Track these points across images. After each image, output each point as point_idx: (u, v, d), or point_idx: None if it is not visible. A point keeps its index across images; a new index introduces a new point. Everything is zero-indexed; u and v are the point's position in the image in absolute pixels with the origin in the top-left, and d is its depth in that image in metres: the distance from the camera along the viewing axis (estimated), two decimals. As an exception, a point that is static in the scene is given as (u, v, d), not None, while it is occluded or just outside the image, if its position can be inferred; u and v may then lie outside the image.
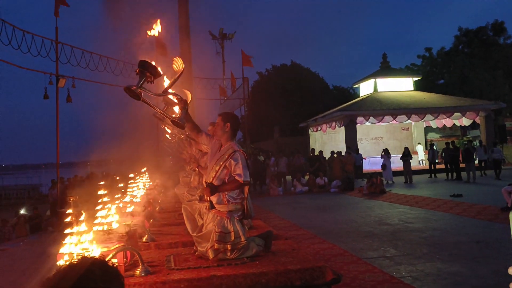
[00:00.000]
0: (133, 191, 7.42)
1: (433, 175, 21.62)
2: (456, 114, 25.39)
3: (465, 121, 26.37)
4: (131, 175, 8.80)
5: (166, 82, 3.93)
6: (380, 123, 25.63)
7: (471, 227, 8.61)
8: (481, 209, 10.66)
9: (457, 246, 7.07)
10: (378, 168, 22.20)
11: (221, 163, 4.01)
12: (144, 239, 5.01)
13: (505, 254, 6.38)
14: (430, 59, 42.66)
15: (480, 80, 35.80)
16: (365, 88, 30.75)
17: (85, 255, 3.27)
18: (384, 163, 20.11)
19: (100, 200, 5.05)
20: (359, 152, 22.86)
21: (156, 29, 4.07)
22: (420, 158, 27.19)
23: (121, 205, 5.57)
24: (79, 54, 13.83)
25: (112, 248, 3.55)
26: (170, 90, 3.81)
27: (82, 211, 3.43)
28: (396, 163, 22.29)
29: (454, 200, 12.55)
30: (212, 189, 3.85)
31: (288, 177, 20.49)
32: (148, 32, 4.12)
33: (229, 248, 3.71)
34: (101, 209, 4.77)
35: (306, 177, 20.17)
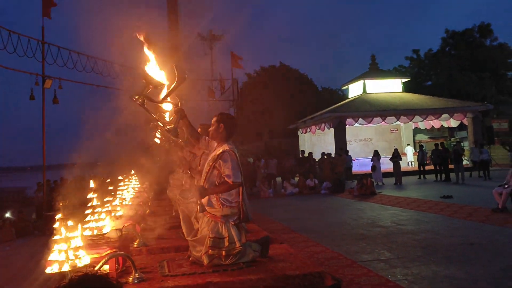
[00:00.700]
0: (122, 194, 7.27)
1: (422, 176, 21.68)
2: (444, 115, 25.54)
3: (453, 123, 26.53)
4: (120, 178, 8.64)
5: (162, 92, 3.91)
6: (369, 124, 25.68)
7: (464, 229, 8.59)
8: (472, 210, 10.66)
9: (451, 248, 7.03)
10: (367, 169, 22.22)
11: (210, 163, 3.90)
12: (135, 243, 4.87)
13: (500, 256, 6.35)
14: (417, 60, 42.95)
15: (467, 82, 36.11)
16: (354, 90, 30.81)
17: (85, 270, 3.14)
18: (374, 164, 20.13)
19: (90, 204, 4.91)
20: (349, 154, 22.87)
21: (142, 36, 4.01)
22: (409, 159, 27.29)
23: (110, 208, 5.42)
24: (66, 54, 13.60)
25: (104, 254, 3.42)
26: (168, 99, 3.79)
27: (72, 217, 3.28)
28: (385, 165, 22.34)
29: (445, 202, 12.55)
30: (201, 192, 3.73)
31: (278, 179, 20.42)
32: (139, 37, 4.01)
33: (223, 254, 3.59)
34: (91, 213, 4.62)
35: (296, 179, 20.11)
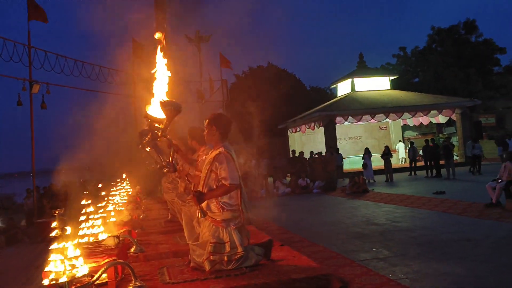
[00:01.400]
0: (115, 199, 7.13)
1: (413, 172, 21.78)
2: (433, 111, 25.68)
3: (442, 119, 26.69)
4: (112, 183, 8.50)
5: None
6: (358, 122, 25.72)
7: (459, 225, 8.58)
8: (466, 206, 10.67)
9: (448, 244, 7.00)
10: (358, 167, 22.26)
11: (207, 167, 3.80)
12: (132, 250, 4.75)
13: (498, 252, 6.34)
14: (404, 58, 43.21)
15: (454, 78, 36.39)
16: (343, 88, 30.85)
17: (84, 280, 3.03)
18: (365, 162, 20.15)
19: (84, 211, 4.78)
20: (339, 152, 22.87)
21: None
22: (401, 156, 27.38)
23: (105, 214, 5.29)
24: (53, 59, 13.38)
25: (102, 263, 3.31)
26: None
27: (68, 225, 3.16)
28: (376, 162, 22.37)
29: (438, 198, 12.57)
30: (199, 197, 3.63)
31: (270, 179, 20.34)
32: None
33: (225, 259, 3.49)
34: (86, 220, 4.50)
35: (288, 179, 20.05)
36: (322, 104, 30.29)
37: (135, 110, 17.92)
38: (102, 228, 4.53)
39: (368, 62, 32.47)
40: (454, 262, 5.95)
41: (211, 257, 3.51)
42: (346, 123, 25.74)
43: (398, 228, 8.78)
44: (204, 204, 3.70)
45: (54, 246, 3.07)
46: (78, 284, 3.07)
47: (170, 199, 6.23)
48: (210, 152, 3.97)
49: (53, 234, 3.09)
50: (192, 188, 5.41)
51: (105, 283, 3.28)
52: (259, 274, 3.35)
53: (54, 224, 3.20)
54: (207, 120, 3.98)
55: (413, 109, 25.46)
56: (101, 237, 4.32)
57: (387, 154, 19.97)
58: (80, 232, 4.34)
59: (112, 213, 5.65)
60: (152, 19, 13.28)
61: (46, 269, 2.96)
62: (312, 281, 3.14)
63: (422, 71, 40.84)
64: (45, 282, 2.91)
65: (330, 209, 12.75)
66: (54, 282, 2.87)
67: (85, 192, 4.71)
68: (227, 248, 3.54)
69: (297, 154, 21.74)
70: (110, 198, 6.87)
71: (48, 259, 3.05)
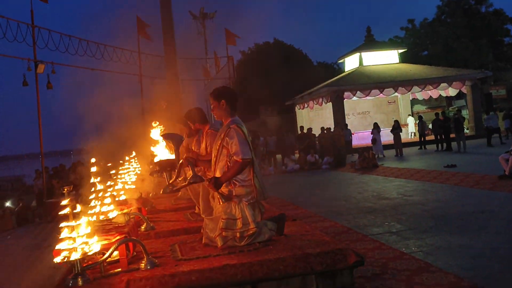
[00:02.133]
0: (124, 178, 7.09)
1: (423, 146, 21.60)
2: (442, 84, 25.33)
3: (451, 91, 26.34)
4: (121, 161, 8.45)
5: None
6: (367, 97, 25.47)
7: (472, 197, 8.47)
8: (479, 178, 10.54)
9: (462, 217, 6.91)
10: (367, 142, 22.11)
11: (218, 142, 3.71)
12: (142, 227, 4.71)
13: (513, 223, 6.24)
14: (413, 30, 42.50)
15: (464, 50, 35.79)
16: (350, 63, 30.48)
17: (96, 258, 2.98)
18: (374, 137, 19.98)
19: (93, 189, 4.72)
20: (348, 128, 22.71)
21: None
22: (411, 130, 27.14)
23: (114, 193, 5.24)
24: (57, 38, 13.25)
25: (113, 240, 3.25)
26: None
27: (78, 203, 3.10)
28: (385, 137, 22.20)
29: (449, 171, 12.45)
30: (216, 183, 3.53)
31: (278, 156, 20.28)
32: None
33: (238, 235, 3.42)
34: (95, 198, 4.44)
35: (296, 155, 19.98)
36: (330, 80, 29.97)
37: (142, 89, 17.82)
38: (112, 207, 4.48)
39: (376, 35, 32.00)
40: (468, 234, 5.86)
41: (223, 233, 3.44)
42: (354, 98, 25.50)
43: (410, 202, 8.69)
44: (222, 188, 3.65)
45: (64, 224, 3.01)
46: (89, 262, 3.03)
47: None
48: (221, 128, 3.87)
49: (63, 212, 3.04)
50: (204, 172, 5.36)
51: (117, 261, 3.23)
52: (272, 249, 3.28)
53: (64, 202, 3.14)
54: (213, 95, 3.85)
55: (422, 82, 25.13)
56: (111, 215, 4.27)
57: (396, 128, 19.78)
58: (90, 211, 4.29)
59: (122, 192, 5.61)
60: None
61: (57, 247, 2.91)
62: (327, 256, 3.07)
63: (431, 44, 40.18)
64: (57, 260, 2.86)
65: (340, 185, 12.69)
66: (65, 260, 2.82)
67: (93, 170, 4.64)
68: (239, 225, 3.47)
69: (305, 131, 21.60)
70: (120, 176, 6.83)
71: (59, 237, 3.00)
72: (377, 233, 6.44)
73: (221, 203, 3.51)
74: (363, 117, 28.98)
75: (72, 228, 2.90)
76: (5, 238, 10.12)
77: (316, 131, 21.84)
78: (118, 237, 3.31)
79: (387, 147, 20.99)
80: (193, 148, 5.37)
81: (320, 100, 26.45)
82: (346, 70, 31.07)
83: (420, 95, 27.72)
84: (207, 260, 3.21)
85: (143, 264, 3.16)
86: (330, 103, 25.08)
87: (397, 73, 26.69)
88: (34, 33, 12.70)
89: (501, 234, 5.71)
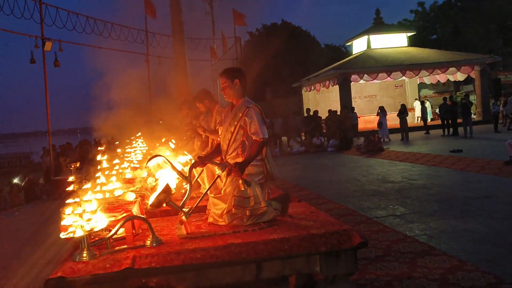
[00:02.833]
0: (130, 157, 7.12)
1: (426, 131, 21.54)
2: (451, 69, 25.06)
3: (460, 76, 26.07)
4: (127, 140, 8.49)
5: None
6: (374, 80, 25.28)
7: (478, 182, 8.46)
8: (485, 163, 10.51)
9: (467, 202, 6.91)
10: (372, 126, 22.02)
11: (235, 123, 3.70)
12: (148, 206, 4.74)
13: (518, 209, 6.24)
14: (423, 13, 41.93)
15: (473, 34, 35.32)
16: (358, 46, 30.19)
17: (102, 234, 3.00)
18: (380, 120, 19.90)
19: (99, 167, 4.75)
20: (354, 111, 22.61)
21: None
22: (417, 114, 27.00)
23: (121, 171, 5.28)
24: (65, 15, 13.18)
25: (120, 217, 3.28)
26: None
27: (85, 179, 3.13)
28: (391, 121, 22.09)
29: (455, 156, 12.41)
30: (241, 167, 3.52)
31: (284, 138, 20.27)
32: None
33: (247, 213, 3.43)
34: (102, 175, 4.47)
35: (302, 138, 19.97)
36: (337, 62, 29.73)
37: (149, 68, 17.76)
38: (118, 185, 4.51)
39: (385, 18, 31.60)
40: (473, 219, 5.88)
41: (233, 210, 3.45)
42: (361, 81, 25.32)
43: (414, 185, 8.70)
44: (232, 161, 3.64)
45: (71, 200, 3.04)
46: (96, 238, 3.06)
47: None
48: (234, 106, 3.84)
49: (70, 188, 3.06)
50: (210, 145, 5.37)
51: (123, 238, 3.26)
52: (277, 229, 3.30)
53: (71, 179, 3.17)
54: (226, 74, 3.82)
55: (431, 66, 24.88)
56: (117, 193, 4.30)
57: (403, 112, 19.67)
58: (96, 188, 4.32)
59: (128, 170, 5.64)
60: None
61: (64, 222, 2.94)
62: (332, 236, 3.08)
63: (440, 27, 39.67)
64: (63, 235, 2.89)
65: (345, 167, 12.69)
66: (72, 235, 2.86)
67: (100, 148, 4.66)
68: (251, 203, 3.48)
69: (311, 113, 21.54)
70: (126, 155, 6.86)
71: (66, 213, 3.03)
72: (381, 216, 6.47)
73: (244, 188, 3.50)
74: (370, 100, 28.79)
75: (79, 204, 2.93)
76: (13, 214, 10.25)
77: (322, 114, 21.76)
78: (124, 214, 3.34)
79: (393, 131, 20.91)
80: (203, 125, 5.42)
81: (327, 82, 26.29)
82: (353, 53, 30.79)
83: (428, 79, 27.47)
84: (212, 238, 3.23)
85: (148, 241, 3.19)
86: (337, 86, 24.93)
87: (405, 56, 26.42)
88: (42, 10, 12.64)
89: (506, 219, 5.72)
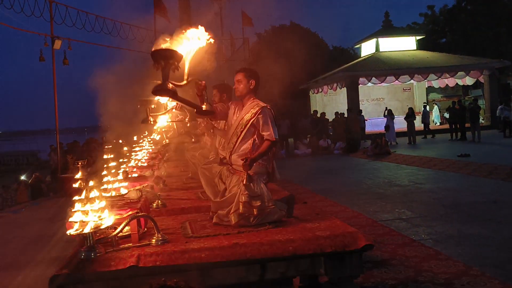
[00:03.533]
0: (137, 155, 7.14)
1: (426, 136, 21.56)
2: (460, 73, 24.92)
3: (469, 80, 25.93)
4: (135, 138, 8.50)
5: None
6: (382, 83, 25.20)
7: (485, 187, 8.41)
8: (492, 168, 10.44)
9: (474, 206, 6.87)
10: (380, 129, 21.95)
11: (246, 121, 3.70)
12: (154, 204, 4.75)
13: (526, 215, 6.19)
14: (432, 17, 41.70)
15: (483, 38, 35.09)
16: (367, 48, 30.12)
17: (108, 232, 3.00)
18: (388, 124, 19.84)
19: (106, 165, 4.77)
20: (362, 114, 22.55)
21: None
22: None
23: (127, 169, 5.29)
24: (75, 14, 13.24)
25: (125, 215, 3.29)
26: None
27: (93, 177, 3.14)
28: (398, 124, 22.01)
29: (462, 160, 12.33)
30: (251, 162, 3.52)
31: (290, 140, 20.25)
32: None
33: (255, 213, 3.43)
34: (108, 174, 4.49)
35: (309, 139, 19.94)
36: (345, 65, 29.67)
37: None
38: (125, 183, 4.52)
39: (394, 21, 31.48)
40: (479, 223, 5.84)
41: (241, 209, 3.44)
42: (369, 84, 25.25)
43: (421, 189, 8.66)
44: (236, 158, 3.64)
45: (78, 196, 3.06)
46: (101, 236, 3.07)
47: (190, 157, 6.22)
48: (244, 105, 3.82)
49: (76, 185, 3.07)
50: (217, 144, 5.35)
51: (128, 236, 3.27)
52: (282, 230, 3.30)
53: (78, 176, 3.18)
54: (245, 72, 3.83)
55: (439, 70, 24.76)
56: (123, 191, 4.31)
57: (410, 116, 19.59)
58: (103, 186, 4.34)
59: (135, 169, 5.66)
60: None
61: (70, 219, 2.95)
62: (337, 239, 3.07)
63: (450, 31, 39.42)
64: (70, 232, 2.91)
65: (351, 170, 12.66)
66: (78, 232, 2.87)
67: (107, 147, 4.68)
68: (259, 202, 3.48)
69: (318, 115, 21.51)
70: (133, 154, 6.89)
71: (72, 210, 3.04)
72: (387, 219, 6.45)
73: (245, 183, 3.50)
74: (377, 103, 28.69)
75: (85, 201, 2.94)
76: (20, 210, 10.31)
77: (330, 116, 21.73)
78: (130, 213, 3.35)
79: (400, 134, 20.84)
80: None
81: (335, 85, 26.24)
82: (362, 56, 30.72)
83: (437, 83, 27.35)
84: (217, 238, 3.24)
85: (154, 240, 3.20)
86: (345, 88, 24.88)
87: (413, 60, 26.32)
88: (52, 8, 12.71)
89: (513, 225, 5.68)
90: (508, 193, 7.69)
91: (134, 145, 7.80)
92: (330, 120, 21.32)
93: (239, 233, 3.33)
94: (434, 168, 11.31)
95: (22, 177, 12.96)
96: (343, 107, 25.03)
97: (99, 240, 3.00)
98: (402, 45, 28.67)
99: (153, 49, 3.09)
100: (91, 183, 3.11)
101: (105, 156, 4.80)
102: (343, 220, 6.40)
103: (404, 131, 20.54)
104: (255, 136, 3.66)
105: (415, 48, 28.86)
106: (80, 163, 3.06)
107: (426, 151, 15.66)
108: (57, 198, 11.38)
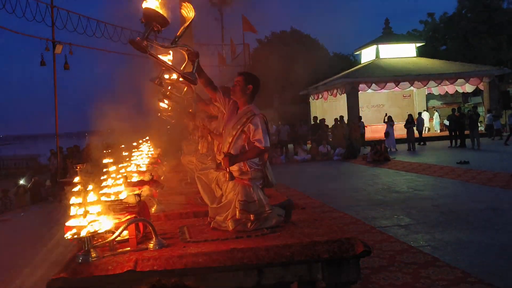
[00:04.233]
0: (137, 160, 7.15)
1: (421, 142, 21.54)
2: (459, 80, 24.97)
3: (468, 88, 25.98)
4: (134, 144, 8.51)
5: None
6: (382, 90, 25.25)
7: (484, 194, 8.41)
8: (491, 175, 10.45)
9: (472, 213, 6.87)
10: (379, 135, 21.96)
11: (238, 127, 3.70)
12: (153, 209, 4.76)
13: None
14: (432, 24, 41.82)
15: (483, 46, 35.18)
16: (367, 55, 30.21)
17: (106, 236, 3.00)
18: (387, 130, 19.86)
19: (105, 170, 4.78)
20: (361, 120, 22.57)
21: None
22: (425, 125, 26.89)
23: (126, 174, 5.30)
24: (76, 19, 13.31)
25: (124, 219, 3.30)
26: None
27: (91, 181, 3.15)
28: (398, 131, 22.02)
29: (462, 167, 12.34)
30: (231, 159, 3.54)
31: (290, 146, 20.27)
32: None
33: (252, 218, 3.44)
34: (107, 178, 4.50)
35: (308, 146, 19.96)
36: (346, 71, 29.74)
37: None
38: (123, 187, 4.53)
39: (394, 28, 31.61)
40: (478, 231, 5.84)
41: (238, 215, 3.45)
42: (369, 90, 25.30)
43: (420, 196, 8.66)
44: (234, 167, 3.64)
45: (76, 200, 3.07)
46: (99, 240, 3.08)
47: (187, 162, 6.25)
48: (239, 110, 3.82)
49: (75, 189, 3.09)
50: (216, 149, 5.36)
51: (126, 240, 3.28)
52: (280, 236, 3.30)
53: (76, 180, 3.20)
54: (243, 76, 3.82)
55: (439, 77, 24.82)
56: (122, 195, 4.32)
57: (410, 122, 19.62)
58: (101, 191, 4.34)
59: (134, 174, 5.67)
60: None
61: (68, 223, 2.96)
62: (334, 244, 3.08)
63: (450, 39, 39.53)
64: (67, 235, 2.91)
65: (351, 176, 12.66)
66: (76, 236, 2.88)
67: (106, 151, 4.69)
68: (256, 207, 3.49)
69: (318, 121, 21.54)
70: (132, 158, 6.89)
71: (70, 214, 3.06)
72: (385, 226, 6.45)
73: (227, 181, 3.53)
74: (377, 110, 28.71)
75: (84, 205, 2.95)
76: (19, 214, 10.31)
77: (329, 123, 21.76)
78: (128, 217, 3.36)
79: (400, 141, 20.85)
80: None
81: (335, 91, 26.29)
82: (362, 62, 30.80)
83: (436, 90, 27.41)
84: (215, 244, 3.24)
85: (151, 245, 3.20)
86: (345, 94, 24.93)
87: (413, 67, 26.39)
88: (53, 13, 12.78)
89: (511, 232, 5.67)
90: (507, 201, 7.69)
91: (134, 150, 7.81)
92: (330, 126, 21.33)
93: (237, 238, 3.34)
94: (433, 175, 11.31)
95: (22, 181, 12.95)
96: (343, 113, 25.05)
97: (97, 244, 3.01)
98: (402, 52, 28.77)
99: (144, 6, 3.12)
100: (89, 187, 3.13)
101: (105, 161, 4.81)
102: (341, 226, 6.42)
103: (404, 137, 20.55)
104: (245, 142, 3.66)
105: (415, 55, 28.95)
106: (78, 167, 3.07)
107: (425, 158, 15.67)
108: (56, 203, 11.38)
